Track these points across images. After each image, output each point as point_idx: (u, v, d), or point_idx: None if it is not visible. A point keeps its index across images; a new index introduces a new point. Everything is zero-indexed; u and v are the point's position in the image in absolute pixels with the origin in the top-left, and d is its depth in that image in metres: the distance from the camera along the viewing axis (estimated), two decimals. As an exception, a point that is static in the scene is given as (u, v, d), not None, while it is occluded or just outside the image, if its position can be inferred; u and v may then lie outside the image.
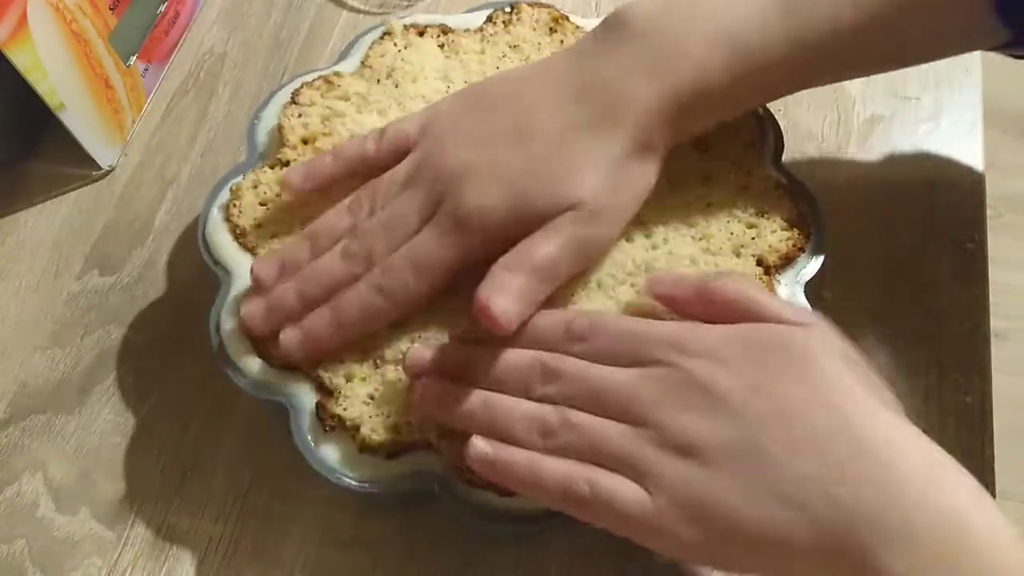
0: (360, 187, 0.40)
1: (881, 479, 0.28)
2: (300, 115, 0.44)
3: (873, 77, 0.50)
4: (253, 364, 0.39)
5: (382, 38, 0.46)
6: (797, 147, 0.49)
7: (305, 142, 0.44)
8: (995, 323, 0.44)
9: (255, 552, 0.41)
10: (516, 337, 0.35)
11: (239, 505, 0.42)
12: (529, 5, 0.47)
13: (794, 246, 0.40)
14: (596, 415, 0.32)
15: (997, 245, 0.46)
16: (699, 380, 0.31)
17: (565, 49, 0.41)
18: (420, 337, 0.38)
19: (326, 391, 0.38)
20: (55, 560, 0.41)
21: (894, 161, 0.49)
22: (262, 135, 0.45)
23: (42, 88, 0.46)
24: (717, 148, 0.42)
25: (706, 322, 0.33)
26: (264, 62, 0.55)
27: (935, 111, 0.50)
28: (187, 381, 0.45)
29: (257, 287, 0.39)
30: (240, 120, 0.52)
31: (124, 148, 0.52)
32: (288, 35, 0.56)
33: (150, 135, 0.53)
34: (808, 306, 0.39)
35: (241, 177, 0.43)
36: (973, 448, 0.41)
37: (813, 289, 0.40)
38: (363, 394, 0.38)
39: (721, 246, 0.40)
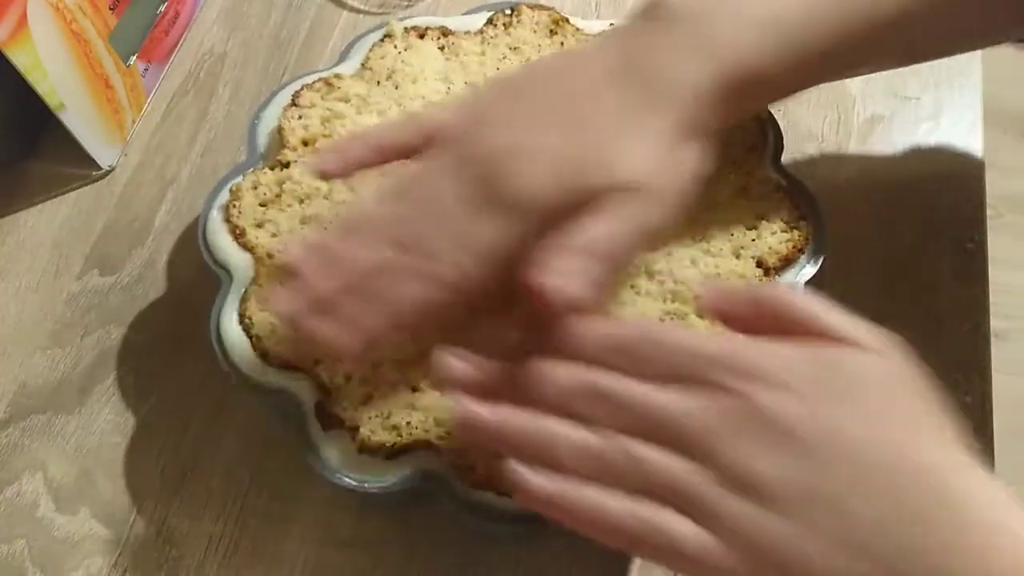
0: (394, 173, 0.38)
1: (962, 531, 0.27)
2: (300, 117, 0.44)
3: (873, 77, 0.50)
4: (254, 363, 0.39)
5: (382, 40, 0.46)
6: (797, 147, 0.49)
7: (305, 144, 0.44)
8: (995, 323, 0.44)
9: (255, 552, 0.41)
10: (560, 349, 0.32)
11: (239, 505, 0.42)
12: (529, 7, 0.47)
13: (794, 247, 0.40)
14: (649, 441, 0.30)
15: (997, 245, 0.46)
16: (764, 412, 0.28)
17: (601, 36, 0.39)
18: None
19: (325, 391, 0.38)
20: (55, 560, 0.41)
21: (894, 161, 0.49)
22: (262, 136, 0.45)
23: (42, 88, 0.46)
24: (717, 149, 0.42)
25: (756, 334, 0.31)
26: (264, 62, 0.55)
27: (935, 111, 0.50)
28: (187, 381, 0.45)
29: (299, 282, 0.35)
30: (240, 120, 0.52)
31: (124, 148, 0.52)
32: (288, 35, 0.56)
33: (150, 135, 0.53)
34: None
35: (241, 178, 0.43)
36: (973, 448, 0.41)
37: (813, 289, 0.40)
38: (362, 394, 0.38)
39: (721, 247, 0.40)
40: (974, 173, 0.48)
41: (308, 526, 0.41)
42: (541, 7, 0.47)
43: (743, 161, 0.42)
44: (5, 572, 0.41)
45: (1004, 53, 0.42)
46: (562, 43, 0.46)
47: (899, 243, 0.46)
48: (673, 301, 0.39)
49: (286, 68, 0.55)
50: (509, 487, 0.30)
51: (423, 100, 0.44)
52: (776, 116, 0.44)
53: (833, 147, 0.49)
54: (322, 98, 0.45)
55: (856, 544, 0.27)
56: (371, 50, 0.46)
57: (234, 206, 0.42)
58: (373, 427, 0.37)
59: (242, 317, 0.40)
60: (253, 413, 0.44)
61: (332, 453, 0.37)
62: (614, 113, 0.36)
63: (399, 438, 0.37)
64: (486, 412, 0.31)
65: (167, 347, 0.46)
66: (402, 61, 0.46)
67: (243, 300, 0.40)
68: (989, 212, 0.46)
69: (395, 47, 0.46)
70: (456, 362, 0.33)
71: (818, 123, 0.50)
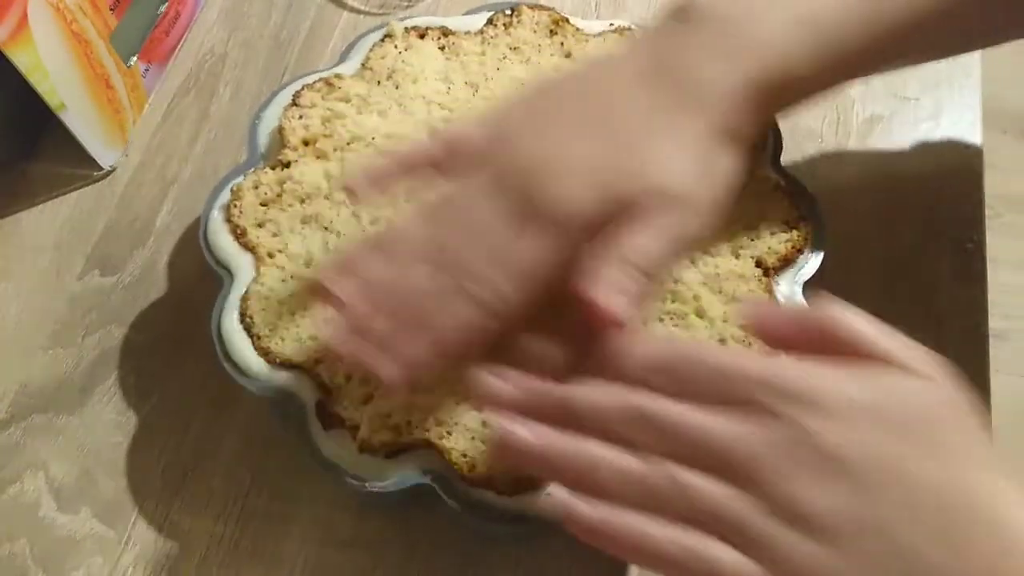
0: (424, 191, 0.37)
1: (1007, 555, 0.26)
2: (301, 117, 0.44)
3: (872, 77, 0.50)
4: (254, 363, 0.39)
5: (383, 40, 0.46)
6: (797, 147, 0.49)
7: (306, 143, 0.44)
8: (994, 323, 0.44)
9: (255, 552, 0.41)
10: (603, 369, 0.31)
11: (240, 505, 0.42)
12: (529, 7, 0.47)
13: (793, 247, 0.40)
14: (693, 466, 0.29)
15: (996, 245, 0.46)
16: (813, 438, 0.28)
17: (629, 39, 0.39)
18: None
19: (326, 390, 0.38)
20: (56, 559, 0.41)
21: (894, 161, 0.49)
22: (263, 136, 0.45)
23: (43, 88, 0.46)
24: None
25: (803, 354, 0.30)
26: (265, 62, 0.55)
27: (935, 111, 0.50)
28: (188, 381, 0.45)
29: (337, 307, 0.35)
30: (241, 120, 0.53)
31: (125, 148, 0.52)
32: (288, 35, 0.56)
33: (151, 135, 0.53)
34: (808, 306, 0.39)
35: (242, 177, 0.43)
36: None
37: (813, 289, 0.40)
38: (363, 394, 0.38)
39: (720, 247, 0.40)
40: (973, 173, 0.48)
41: (308, 526, 0.41)
42: (541, 7, 0.47)
43: (743, 161, 0.42)
44: (7, 571, 0.41)
45: (1003, 53, 0.42)
46: (562, 43, 0.46)
47: (899, 243, 0.46)
48: (673, 301, 0.39)
49: (286, 68, 0.55)
50: (553, 511, 0.30)
51: (423, 100, 0.45)
52: (775, 116, 0.44)
53: (832, 147, 0.49)
54: (323, 98, 0.45)
55: (903, 572, 0.26)
56: (371, 50, 0.46)
57: (235, 206, 0.42)
58: (374, 427, 0.37)
59: (243, 316, 0.40)
60: (254, 413, 0.44)
61: (332, 452, 0.37)
62: (646, 118, 0.35)
63: (399, 437, 0.37)
64: (528, 434, 0.30)
65: (168, 347, 0.46)
66: (402, 61, 0.46)
67: (244, 299, 0.40)
68: (988, 212, 0.46)
69: (395, 47, 0.46)
70: (496, 381, 0.32)
71: (818, 123, 0.50)
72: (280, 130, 0.44)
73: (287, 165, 0.43)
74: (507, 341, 0.34)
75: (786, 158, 0.43)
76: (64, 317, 0.47)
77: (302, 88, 0.45)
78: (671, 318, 0.39)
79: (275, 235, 0.42)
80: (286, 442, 0.38)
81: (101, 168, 0.51)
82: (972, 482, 0.27)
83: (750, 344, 0.37)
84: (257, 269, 0.41)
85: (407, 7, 0.56)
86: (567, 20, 0.47)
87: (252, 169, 0.44)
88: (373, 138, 0.43)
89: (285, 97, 0.45)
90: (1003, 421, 0.42)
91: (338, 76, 0.46)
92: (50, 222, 0.50)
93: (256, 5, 0.57)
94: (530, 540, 0.40)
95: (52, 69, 0.46)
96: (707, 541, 0.28)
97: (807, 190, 0.42)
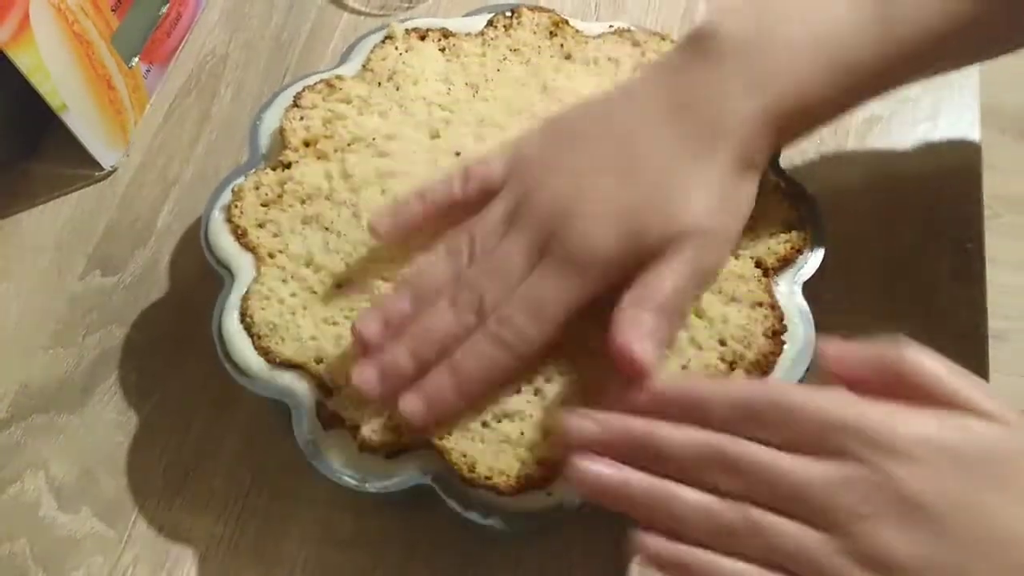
0: (450, 230, 0.38)
1: None
2: (302, 118, 0.44)
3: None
4: (255, 363, 0.39)
5: (383, 42, 0.47)
6: (796, 148, 0.49)
7: (307, 144, 0.44)
8: (994, 323, 0.44)
9: (256, 551, 0.41)
10: (685, 410, 0.31)
11: (240, 504, 0.42)
12: (529, 9, 0.47)
13: (792, 248, 0.40)
14: (772, 507, 0.29)
15: (996, 245, 0.46)
16: (896, 484, 0.28)
17: (646, 69, 0.39)
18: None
19: (326, 390, 0.38)
20: (57, 559, 0.41)
21: (893, 162, 0.49)
22: (264, 137, 0.45)
23: (44, 89, 0.46)
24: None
25: (876, 393, 0.30)
26: (266, 63, 0.55)
27: (933, 111, 0.50)
28: (189, 381, 0.45)
29: (363, 346, 0.36)
30: (242, 121, 0.53)
31: (126, 149, 0.52)
32: (289, 37, 0.56)
33: (152, 136, 0.53)
34: (807, 307, 0.39)
35: (243, 178, 0.44)
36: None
37: (813, 289, 0.40)
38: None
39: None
40: (972, 173, 0.48)
41: (308, 526, 0.41)
42: (541, 9, 0.48)
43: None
44: (7, 571, 0.41)
45: (1002, 54, 0.42)
46: (562, 45, 0.46)
47: (898, 243, 0.46)
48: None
49: (287, 69, 0.55)
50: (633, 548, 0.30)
51: (424, 101, 0.45)
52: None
53: (832, 147, 0.49)
54: (323, 99, 0.45)
55: None
56: (372, 52, 0.46)
57: (236, 206, 0.42)
58: (374, 427, 0.37)
59: (243, 316, 0.40)
60: (255, 413, 0.44)
61: (333, 452, 0.37)
62: (669, 157, 0.36)
63: (400, 438, 0.37)
64: (608, 470, 0.31)
65: (169, 347, 0.46)
66: (403, 62, 0.46)
67: (244, 299, 0.40)
68: (987, 212, 0.46)
69: (396, 48, 0.46)
70: (580, 420, 0.32)
71: (817, 124, 0.50)
72: (281, 131, 0.44)
73: (288, 166, 0.43)
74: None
75: (785, 159, 0.43)
76: (65, 317, 0.47)
77: (303, 89, 0.45)
78: None
79: (276, 235, 0.42)
80: (286, 442, 0.38)
81: (102, 168, 0.51)
82: None
83: (749, 345, 0.38)
84: (258, 269, 0.41)
85: (408, 9, 0.56)
86: (567, 22, 0.47)
87: (253, 170, 0.44)
88: (374, 139, 0.43)
89: (286, 98, 0.45)
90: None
91: (339, 77, 0.46)
92: (51, 222, 0.51)
93: (257, 6, 0.57)
94: (530, 540, 0.40)
95: (54, 70, 0.46)
96: None
97: (806, 191, 0.42)
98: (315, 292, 0.40)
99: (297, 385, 0.39)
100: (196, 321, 0.43)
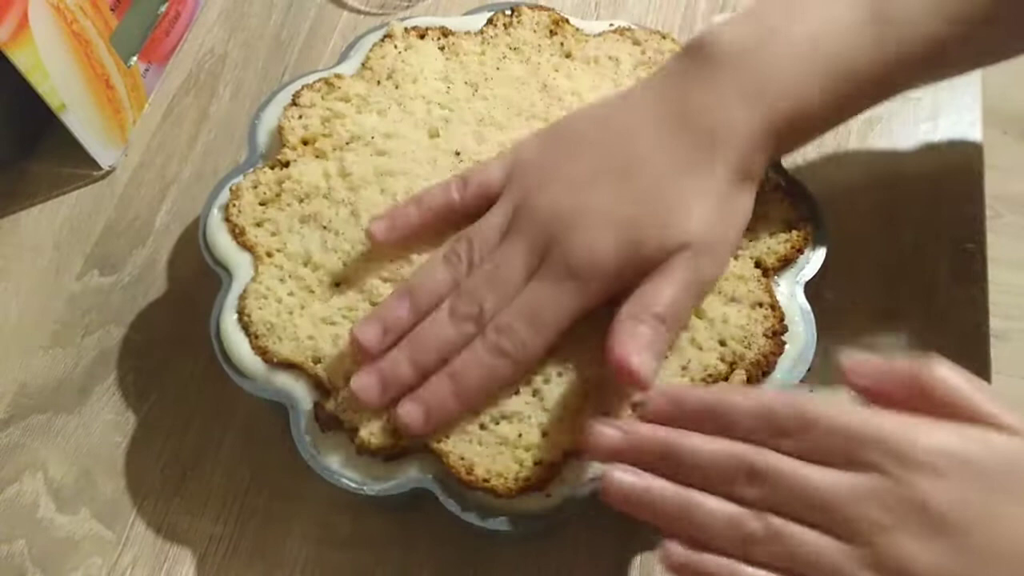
0: (451, 236, 0.39)
1: None
2: (300, 116, 0.44)
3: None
4: (253, 363, 0.39)
5: (383, 40, 0.46)
6: (797, 148, 0.49)
7: (305, 143, 0.44)
8: (995, 323, 0.44)
9: (255, 551, 0.41)
10: (709, 419, 0.32)
11: (239, 504, 0.42)
12: (529, 8, 0.47)
13: (792, 248, 0.40)
14: (798, 518, 0.29)
15: (997, 245, 0.46)
16: (920, 498, 0.28)
17: (645, 80, 0.39)
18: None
19: (324, 390, 0.38)
20: (55, 560, 0.41)
21: (894, 162, 0.49)
22: (263, 136, 0.45)
23: (43, 88, 0.46)
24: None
25: (901, 409, 0.30)
26: (265, 63, 0.55)
27: (934, 111, 0.50)
28: (187, 381, 0.45)
29: (362, 354, 0.36)
30: (240, 120, 0.53)
31: (125, 148, 0.52)
32: (288, 36, 0.56)
33: (151, 135, 0.53)
34: (809, 307, 0.39)
35: (241, 177, 0.43)
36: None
37: (814, 289, 0.40)
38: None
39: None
40: (974, 173, 0.48)
41: (308, 525, 0.41)
42: (541, 7, 0.47)
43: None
44: (5, 572, 0.41)
45: (1003, 53, 0.42)
46: (562, 43, 0.46)
47: (899, 243, 0.46)
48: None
49: (286, 68, 0.55)
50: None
51: (423, 99, 0.45)
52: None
53: (832, 147, 0.49)
54: (322, 98, 0.45)
55: None
56: (371, 50, 0.46)
57: (234, 205, 0.42)
58: (373, 430, 0.37)
59: (240, 315, 0.40)
60: (253, 412, 0.44)
61: (331, 454, 0.37)
62: (668, 169, 0.36)
63: (398, 441, 0.37)
64: (632, 478, 0.31)
65: (168, 347, 0.46)
66: (402, 61, 0.46)
67: (242, 298, 0.40)
68: (989, 213, 0.46)
69: (395, 47, 0.46)
70: (606, 429, 0.32)
71: (818, 123, 0.50)
72: (279, 130, 0.44)
73: (286, 164, 0.43)
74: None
75: (786, 158, 0.43)
76: (63, 317, 0.47)
77: (301, 88, 0.45)
78: None
79: (274, 234, 0.42)
80: (285, 441, 0.38)
81: (101, 168, 0.51)
82: None
83: (750, 345, 0.37)
84: (255, 268, 0.41)
85: (407, 7, 0.56)
86: (567, 20, 0.47)
87: (251, 169, 0.44)
88: (372, 137, 0.43)
89: (285, 97, 0.45)
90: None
91: (338, 76, 0.46)
92: (49, 222, 0.50)
93: (256, 5, 0.57)
94: (530, 539, 0.40)
95: (52, 69, 0.46)
96: None
97: (807, 190, 0.42)
98: (313, 291, 0.40)
99: (295, 386, 0.38)
100: (195, 321, 0.43)
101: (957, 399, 0.30)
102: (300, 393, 0.38)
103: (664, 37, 0.46)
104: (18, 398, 0.45)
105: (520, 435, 0.36)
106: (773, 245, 0.40)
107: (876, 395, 0.31)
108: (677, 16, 0.54)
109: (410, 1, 0.56)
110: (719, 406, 0.32)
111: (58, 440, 0.44)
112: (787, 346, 0.38)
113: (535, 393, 0.37)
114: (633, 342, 0.34)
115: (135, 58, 0.51)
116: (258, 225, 0.42)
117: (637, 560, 0.39)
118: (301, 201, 0.42)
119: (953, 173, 0.48)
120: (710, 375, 0.37)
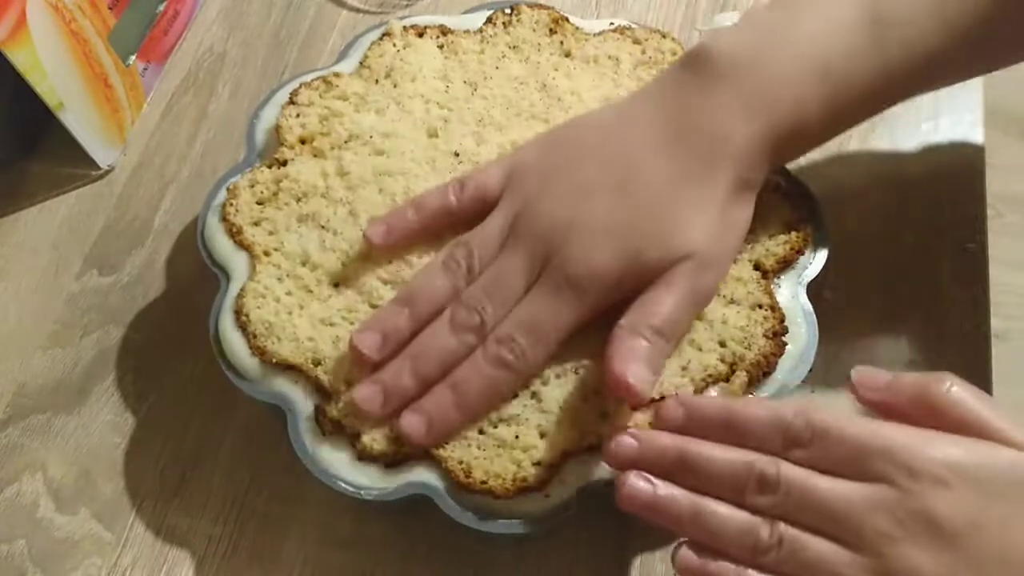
0: (449, 238, 0.39)
1: None
2: (298, 115, 0.44)
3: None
4: (252, 365, 0.39)
5: (381, 39, 0.46)
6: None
7: (303, 142, 0.44)
8: (995, 324, 0.44)
9: (254, 552, 0.41)
10: (723, 428, 0.32)
11: (238, 505, 0.42)
12: (529, 6, 0.47)
13: (792, 249, 0.40)
14: (809, 528, 0.30)
15: (997, 245, 0.46)
16: (929, 511, 0.29)
17: (644, 88, 0.39)
18: None
19: (325, 393, 0.38)
20: (55, 560, 0.41)
21: (894, 162, 0.49)
22: (260, 134, 0.45)
23: (41, 88, 0.46)
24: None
25: (911, 423, 0.31)
26: (264, 61, 0.55)
27: (935, 112, 0.50)
28: (187, 381, 0.45)
29: (362, 362, 0.37)
30: (240, 119, 0.52)
31: (123, 148, 0.52)
32: (288, 34, 0.56)
33: (149, 135, 0.53)
34: (811, 308, 0.39)
35: (239, 176, 0.43)
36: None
37: (814, 289, 0.40)
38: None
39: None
40: (975, 173, 0.48)
41: (308, 526, 0.41)
42: (540, 6, 0.47)
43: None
44: (5, 572, 0.41)
45: (1005, 53, 0.42)
46: (561, 42, 0.46)
47: (900, 244, 0.46)
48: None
49: (286, 67, 0.54)
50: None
51: (422, 98, 0.44)
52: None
53: (833, 148, 0.49)
54: (320, 96, 0.45)
55: None
56: (370, 48, 0.46)
57: (231, 204, 0.42)
58: (376, 436, 0.37)
59: (238, 315, 0.40)
60: (253, 413, 0.43)
61: (330, 457, 0.37)
62: (668, 181, 0.36)
63: (400, 447, 0.36)
64: (655, 488, 0.32)
65: (167, 347, 0.46)
66: (401, 59, 0.45)
67: (239, 298, 0.40)
68: (990, 212, 0.46)
69: (394, 46, 0.46)
70: (624, 438, 0.33)
71: (819, 123, 0.50)
72: (277, 128, 0.44)
73: (284, 163, 0.43)
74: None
75: (786, 158, 0.43)
76: (62, 317, 0.47)
77: (299, 86, 0.45)
78: None
79: (271, 233, 0.42)
80: (285, 443, 0.37)
81: (99, 168, 0.51)
82: None
83: (749, 346, 0.37)
84: (253, 267, 0.41)
85: (406, 6, 0.56)
86: (566, 19, 0.47)
87: (249, 168, 0.44)
88: (371, 136, 0.43)
89: (283, 96, 0.45)
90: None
91: (336, 74, 0.45)
92: (48, 222, 0.50)
93: (255, 3, 0.57)
94: (530, 540, 0.40)
95: (51, 68, 0.45)
96: None
97: (809, 190, 0.42)
98: (311, 291, 0.40)
99: (293, 389, 0.38)
100: (193, 321, 0.43)
101: (966, 414, 0.30)
102: (299, 397, 0.38)
103: (664, 36, 0.46)
104: (17, 398, 0.45)
105: (517, 436, 0.36)
106: (772, 247, 0.40)
107: (884, 409, 0.32)
108: (678, 15, 0.54)
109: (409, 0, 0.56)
110: (733, 416, 0.32)
111: (57, 440, 0.44)
112: (788, 347, 0.38)
113: (533, 395, 0.37)
114: (631, 355, 0.34)
115: (133, 57, 0.51)
116: (255, 224, 0.42)
117: (637, 560, 0.39)
118: (299, 200, 0.42)
119: (954, 173, 0.48)
120: (710, 375, 0.37)
